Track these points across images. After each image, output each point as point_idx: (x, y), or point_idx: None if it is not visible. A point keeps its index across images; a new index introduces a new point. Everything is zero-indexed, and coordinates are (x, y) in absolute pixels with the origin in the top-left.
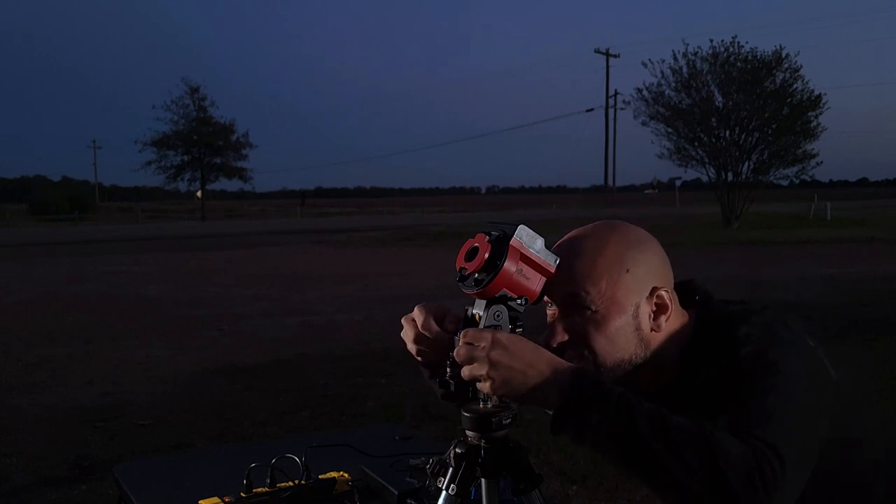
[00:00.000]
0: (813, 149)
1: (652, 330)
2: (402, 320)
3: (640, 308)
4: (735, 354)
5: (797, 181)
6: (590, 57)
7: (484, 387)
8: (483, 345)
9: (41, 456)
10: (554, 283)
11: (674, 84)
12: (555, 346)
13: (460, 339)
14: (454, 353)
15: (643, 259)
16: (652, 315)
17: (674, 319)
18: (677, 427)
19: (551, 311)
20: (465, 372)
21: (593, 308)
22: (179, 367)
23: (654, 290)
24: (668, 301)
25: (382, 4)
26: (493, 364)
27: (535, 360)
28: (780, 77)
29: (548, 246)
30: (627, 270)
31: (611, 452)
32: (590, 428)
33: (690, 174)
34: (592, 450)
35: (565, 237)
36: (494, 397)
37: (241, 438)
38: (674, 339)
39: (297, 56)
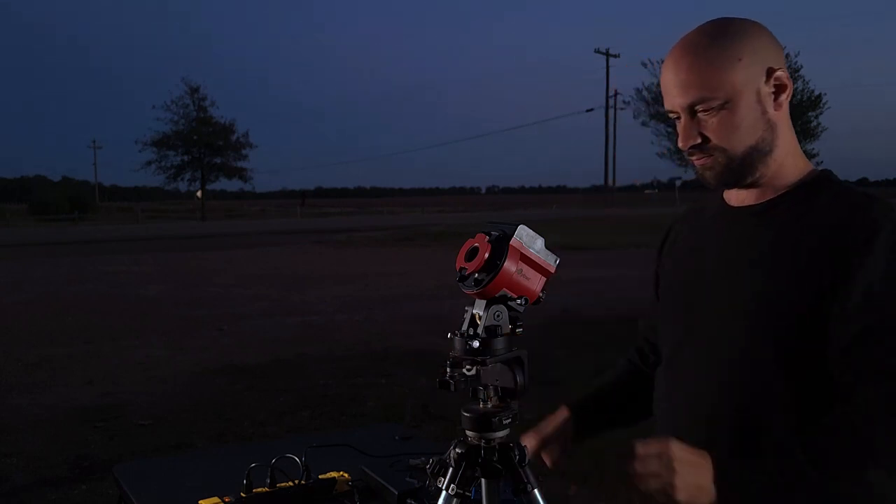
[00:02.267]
0: (813, 149)
1: (774, 110)
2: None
3: (760, 91)
4: (870, 216)
5: None
6: (590, 57)
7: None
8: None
9: (41, 456)
10: (674, 95)
11: None
12: (687, 149)
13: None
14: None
15: (752, 44)
16: (772, 95)
17: (797, 147)
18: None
19: (680, 120)
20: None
21: (717, 105)
22: (179, 367)
23: (771, 70)
24: (785, 80)
25: (383, 5)
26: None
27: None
28: None
29: (548, 245)
30: (740, 59)
31: None
32: None
33: (690, 174)
34: None
35: (676, 45)
36: (494, 398)
37: (241, 438)
38: (795, 156)
39: (298, 56)
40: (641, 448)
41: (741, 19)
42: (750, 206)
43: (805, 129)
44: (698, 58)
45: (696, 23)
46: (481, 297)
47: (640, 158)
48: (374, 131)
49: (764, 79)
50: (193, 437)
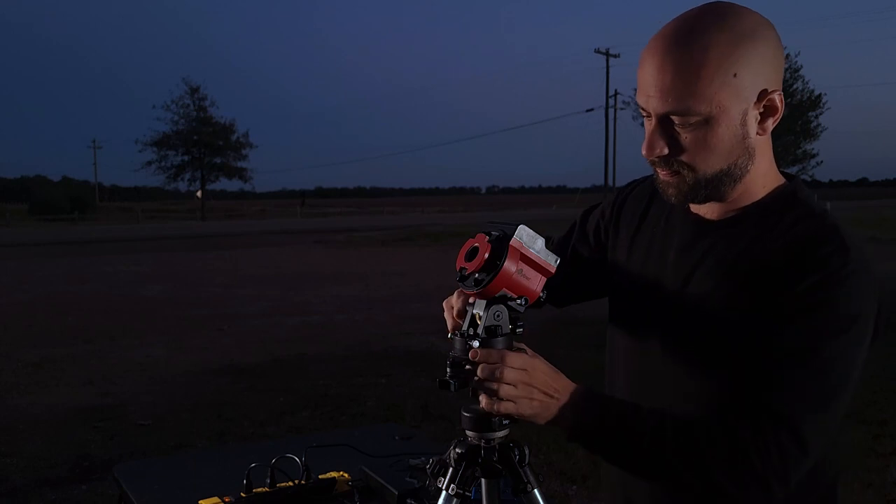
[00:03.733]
0: (813, 149)
1: (758, 134)
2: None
3: (747, 114)
4: (820, 229)
5: None
6: (590, 57)
7: (507, 406)
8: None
9: (41, 456)
10: (650, 96)
11: None
12: (652, 158)
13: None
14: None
15: (752, 57)
16: (758, 118)
17: (771, 163)
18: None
19: (650, 121)
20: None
21: (696, 121)
22: (179, 367)
23: (764, 93)
24: (777, 103)
25: (383, 5)
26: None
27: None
28: None
29: (548, 246)
30: (735, 75)
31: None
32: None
33: None
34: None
35: (664, 33)
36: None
37: (241, 438)
38: (767, 175)
39: (298, 56)
40: (509, 359)
41: (747, 15)
42: (713, 220)
43: (805, 129)
44: (688, 63)
45: None
46: (481, 297)
47: (640, 158)
48: (374, 131)
49: (755, 100)
50: (193, 437)
